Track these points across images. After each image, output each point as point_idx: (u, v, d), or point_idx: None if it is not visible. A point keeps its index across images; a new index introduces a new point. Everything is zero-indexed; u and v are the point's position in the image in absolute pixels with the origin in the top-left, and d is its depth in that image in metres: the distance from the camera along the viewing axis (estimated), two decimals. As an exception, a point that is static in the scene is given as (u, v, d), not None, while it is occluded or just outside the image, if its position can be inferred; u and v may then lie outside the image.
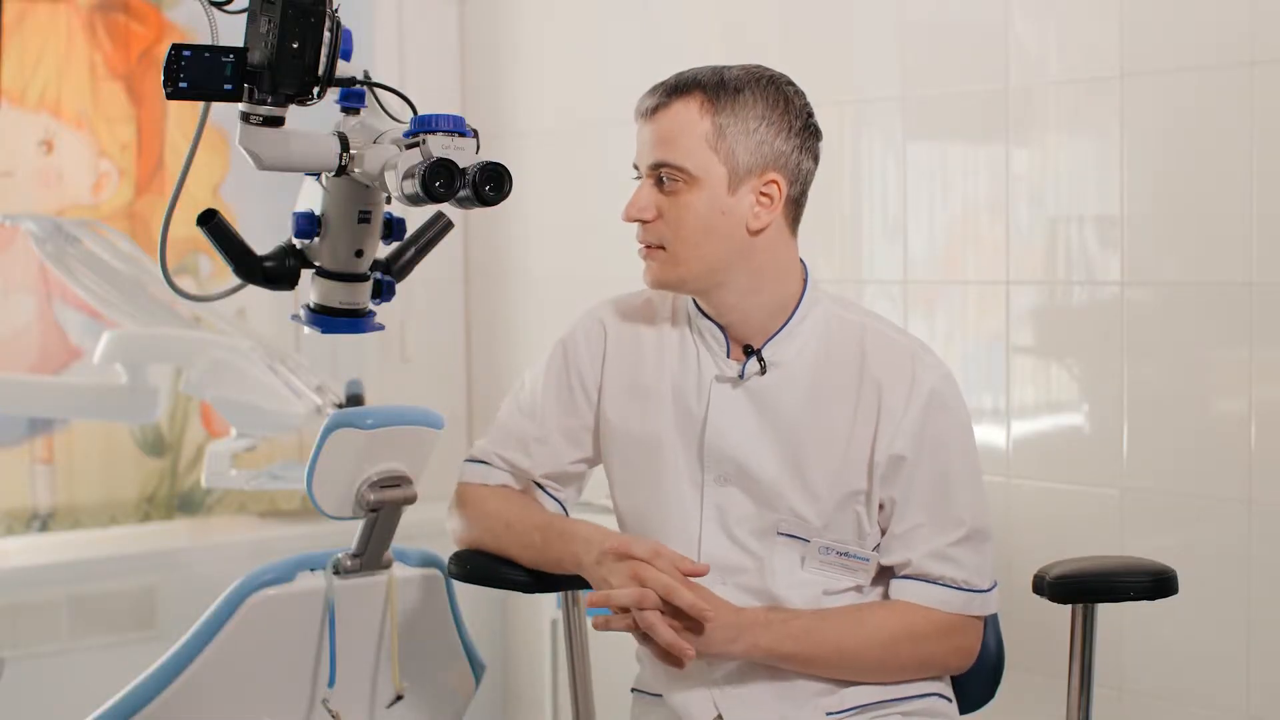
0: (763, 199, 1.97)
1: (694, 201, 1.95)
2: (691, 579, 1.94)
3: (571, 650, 2.22)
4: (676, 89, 1.97)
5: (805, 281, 2.04)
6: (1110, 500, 2.71)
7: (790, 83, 2.00)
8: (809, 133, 2.00)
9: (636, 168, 2.01)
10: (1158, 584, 2.05)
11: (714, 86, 1.95)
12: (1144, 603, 2.08)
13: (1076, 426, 2.79)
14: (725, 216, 1.96)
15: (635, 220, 1.99)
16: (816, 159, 2.02)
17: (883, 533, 2.02)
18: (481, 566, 2.13)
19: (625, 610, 1.91)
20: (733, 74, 1.97)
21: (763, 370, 2.01)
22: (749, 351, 2.02)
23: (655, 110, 1.97)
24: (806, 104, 2.01)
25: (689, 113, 1.95)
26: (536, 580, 2.10)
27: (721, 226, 1.96)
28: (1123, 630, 2.67)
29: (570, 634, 2.22)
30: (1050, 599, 2.04)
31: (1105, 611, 2.09)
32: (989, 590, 2.03)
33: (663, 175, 1.96)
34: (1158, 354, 2.65)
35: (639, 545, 1.95)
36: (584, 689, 2.22)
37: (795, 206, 2.01)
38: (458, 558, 2.16)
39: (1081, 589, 2.04)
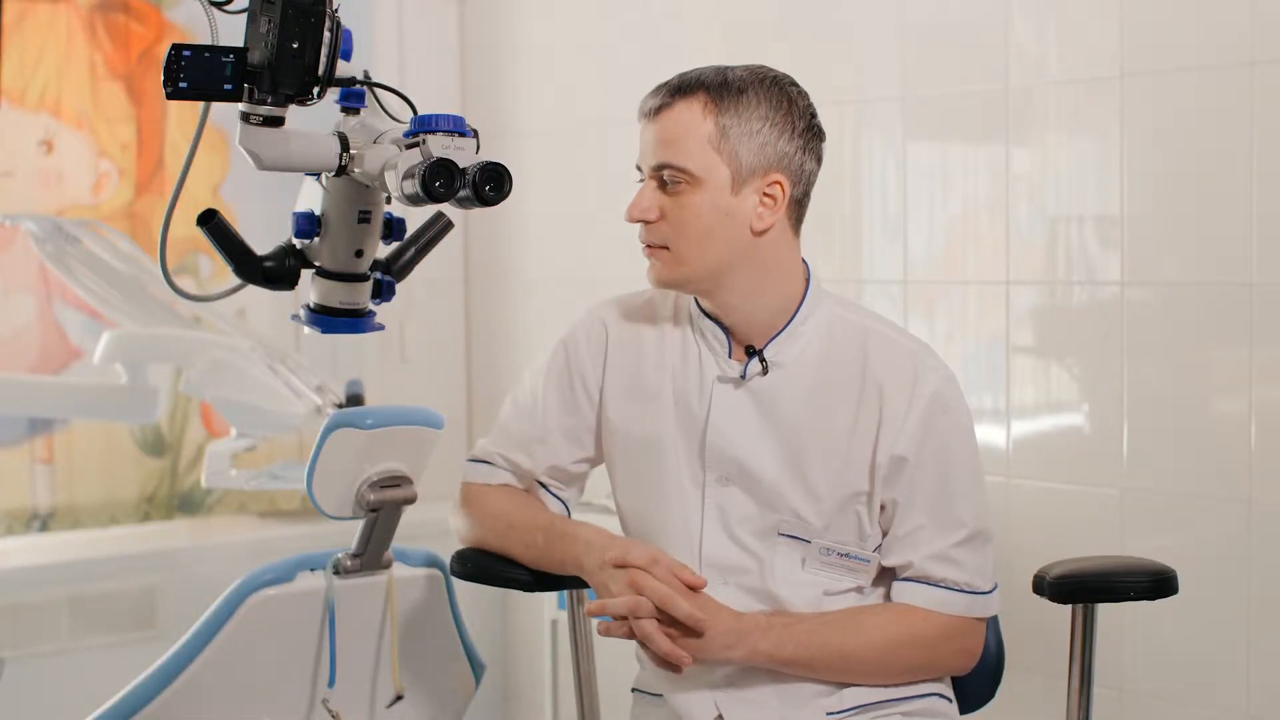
0: (766, 200, 1.97)
1: (697, 202, 1.95)
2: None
3: (576, 650, 2.22)
4: (680, 89, 1.96)
5: (808, 282, 2.04)
6: (1110, 500, 2.70)
7: (794, 83, 2.00)
8: (812, 133, 2.00)
9: (639, 168, 2.01)
10: (1158, 584, 2.05)
11: (717, 87, 1.95)
12: (1144, 603, 2.08)
13: (1076, 426, 2.79)
14: (728, 217, 1.96)
15: (638, 221, 1.99)
16: (820, 160, 2.02)
17: (884, 534, 2.02)
18: (483, 565, 2.14)
19: (623, 618, 1.92)
20: (736, 74, 1.97)
21: (764, 371, 2.01)
22: (751, 352, 2.02)
23: (658, 110, 1.97)
24: (810, 105, 2.00)
25: (692, 114, 1.95)
26: (538, 579, 2.11)
27: (724, 227, 1.96)
28: (1123, 630, 2.67)
29: (574, 633, 2.23)
30: (1050, 599, 2.04)
31: (1105, 611, 2.09)
32: (990, 592, 2.03)
33: (665, 176, 1.96)
34: (1158, 354, 2.65)
35: (637, 553, 1.95)
36: (588, 688, 2.22)
37: (798, 207, 2.01)
38: (460, 556, 2.16)
39: (1081, 589, 2.04)
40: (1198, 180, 2.59)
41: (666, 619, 1.92)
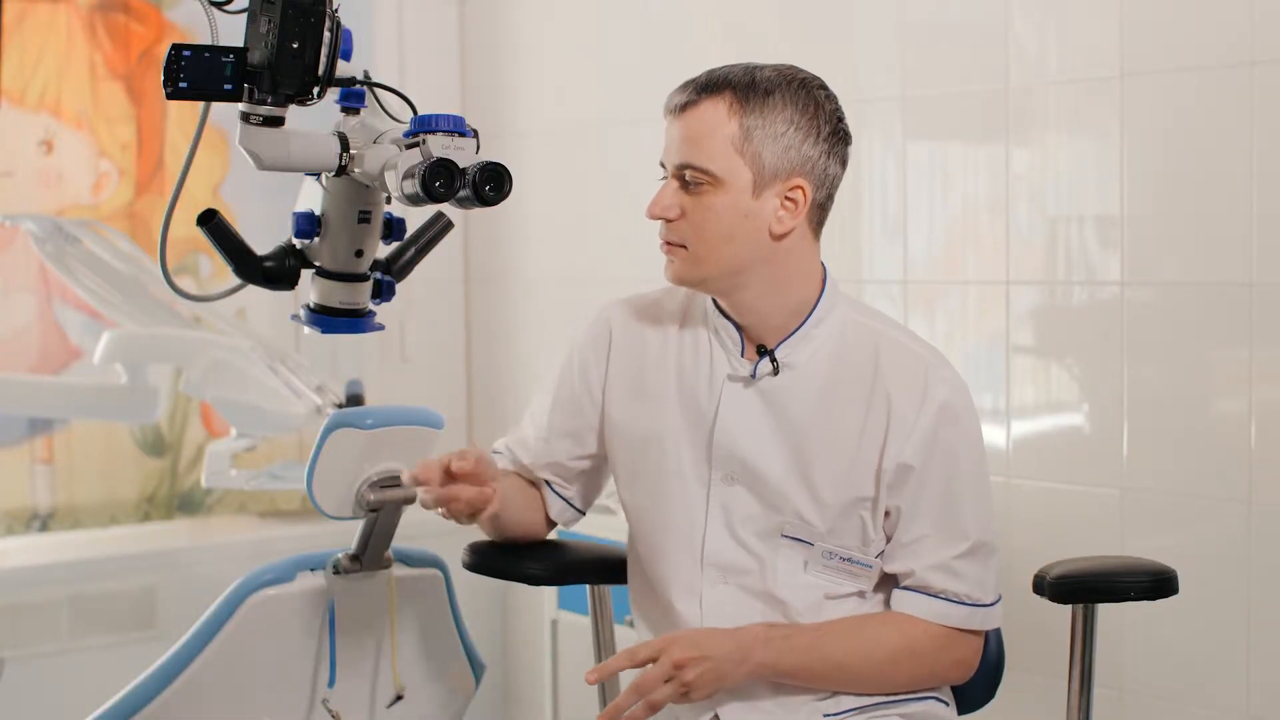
0: (787, 203, 1.95)
1: (717, 204, 1.94)
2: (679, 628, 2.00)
3: (599, 645, 2.25)
4: (707, 87, 1.95)
5: (824, 284, 2.04)
6: (1110, 500, 2.70)
7: (822, 86, 1.98)
8: (838, 138, 1.98)
9: (663, 165, 2.00)
10: (1158, 584, 2.05)
11: (744, 87, 1.93)
12: (1144, 603, 2.08)
13: (1076, 426, 2.78)
14: (748, 220, 1.94)
15: (658, 219, 1.98)
16: (845, 163, 2.00)
17: (888, 539, 2.01)
18: (492, 558, 2.17)
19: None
20: (764, 75, 1.95)
21: (775, 371, 2.01)
22: (762, 351, 2.02)
23: (684, 108, 1.96)
24: (837, 108, 1.99)
25: (717, 113, 1.93)
26: (546, 574, 2.12)
27: (744, 230, 1.95)
28: (1123, 630, 2.67)
29: (597, 631, 2.25)
30: (1050, 599, 2.04)
31: (1105, 611, 2.09)
32: (992, 605, 2.01)
33: (687, 176, 1.95)
34: (1158, 354, 2.65)
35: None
36: (611, 688, 2.22)
37: (820, 211, 2.00)
38: (471, 549, 2.19)
39: (1081, 589, 2.04)
40: (1198, 180, 2.59)
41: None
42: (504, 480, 2.16)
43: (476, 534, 2.26)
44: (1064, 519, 2.77)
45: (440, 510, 2.00)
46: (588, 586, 2.26)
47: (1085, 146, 2.75)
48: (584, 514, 2.23)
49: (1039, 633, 2.49)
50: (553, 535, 2.26)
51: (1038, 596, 2.06)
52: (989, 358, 2.89)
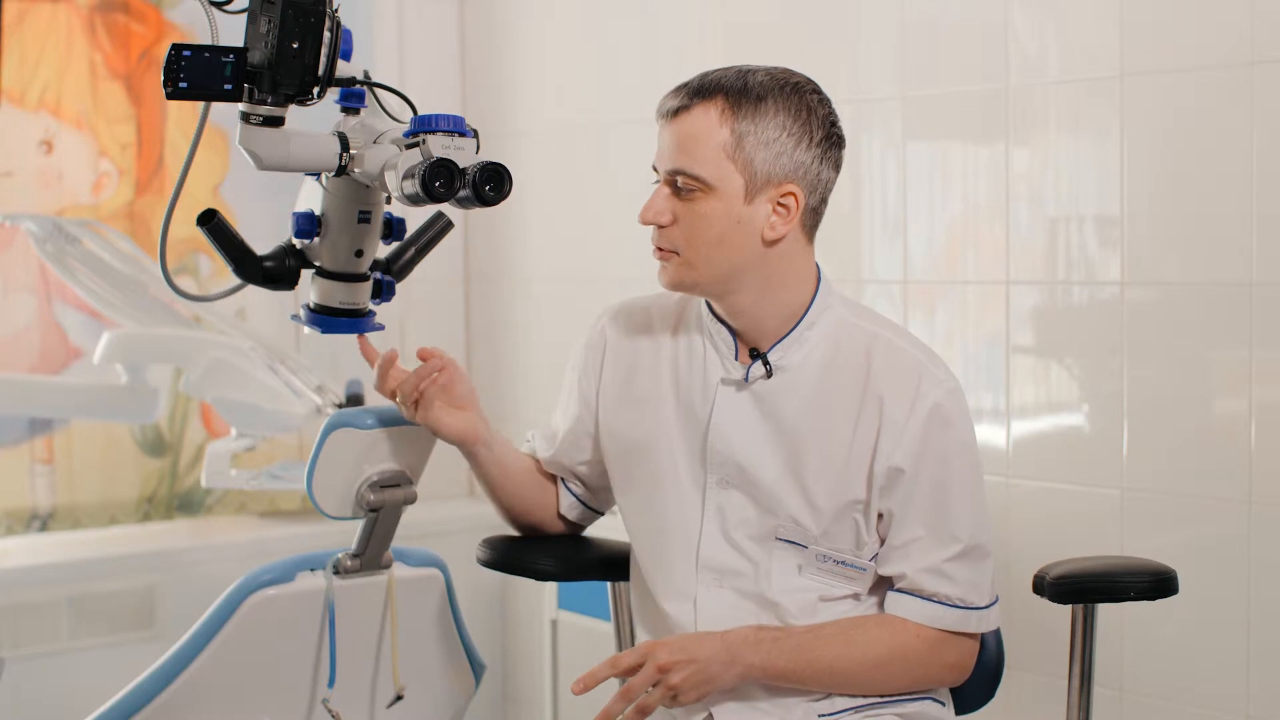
0: (779, 209, 1.95)
1: (709, 210, 1.94)
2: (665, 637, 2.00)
3: (619, 640, 2.25)
4: (699, 92, 1.94)
5: (818, 287, 2.03)
6: (1110, 500, 2.70)
7: (815, 90, 1.98)
8: (831, 142, 1.97)
9: (655, 169, 2.00)
10: (1158, 584, 2.05)
11: (736, 93, 1.93)
12: (1144, 603, 2.08)
13: (1076, 426, 2.78)
14: (740, 226, 1.94)
15: (650, 224, 1.98)
16: (838, 167, 2.00)
17: (882, 542, 2.01)
18: (507, 553, 2.20)
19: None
20: (757, 79, 1.94)
21: (768, 374, 2.01)
22: (755, 355, 2.02)
23: (676, 113, 1.95)
24: (830, 112, 1.98)
25: (709, 119, 1.93)
26: (560, 569, 2.13)
27: (736, 236, 1.94)
28: (1123, 630, 2.67)
29: (618, 626, 2.26)
30: (1050, 599, 2.04)
31: (1105, 611, 2.09)
32: (987, 607, 2.01)
33: (679, 182, 1.94)
34: (1158, 354, 2.65)
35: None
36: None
37: (813, 215, 2.00)
38: (486, 543, 2.21)
39: (1081, 589, 2.04)
40: (1198, 180, 2.59)
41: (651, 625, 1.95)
42: (517, 455, 2.23)
43: (483, 531, 2.26)
44: (1064, 519, 2.77)
45: (394, 396, 2.10)
46: (608, 585, 2.28)
47: (1085, 146, 2.75)
48: (600, 514, 2.25)
49: (1039, 633, 2.49)
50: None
51: (1038, 596, 2.06)
52: (989, 358, 2.89)
